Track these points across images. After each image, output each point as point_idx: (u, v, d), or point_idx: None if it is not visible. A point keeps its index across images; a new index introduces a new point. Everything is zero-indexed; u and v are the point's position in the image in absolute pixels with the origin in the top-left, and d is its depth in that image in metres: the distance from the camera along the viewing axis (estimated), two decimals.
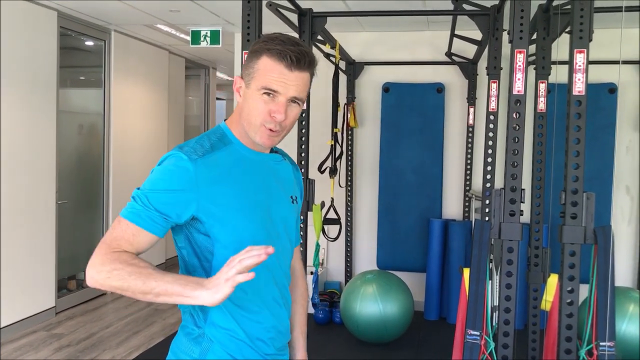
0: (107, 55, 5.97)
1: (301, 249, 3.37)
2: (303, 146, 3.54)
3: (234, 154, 1.49)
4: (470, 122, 5.40)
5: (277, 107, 1.44)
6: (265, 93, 1.43)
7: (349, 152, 5.64)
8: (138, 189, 1.42)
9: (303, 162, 3.53)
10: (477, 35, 4.01)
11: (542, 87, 3.61)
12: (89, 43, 6.03)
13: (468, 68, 5.32)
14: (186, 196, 1.40)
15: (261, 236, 1.49)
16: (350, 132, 5.63)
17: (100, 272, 1.32)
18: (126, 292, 1.31)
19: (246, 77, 1.47)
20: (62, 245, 5.38)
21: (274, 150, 1.62)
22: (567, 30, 2.76)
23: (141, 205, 1.38)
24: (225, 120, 1.58)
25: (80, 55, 6.39)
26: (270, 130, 1.46)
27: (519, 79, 2.47)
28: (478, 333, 2.66)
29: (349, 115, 5.44)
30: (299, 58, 1.42)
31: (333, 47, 4.30)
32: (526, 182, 3.08)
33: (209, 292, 1.24)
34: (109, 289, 1.34)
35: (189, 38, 5.83)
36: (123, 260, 1.34)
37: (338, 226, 4.45)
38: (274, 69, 1.43)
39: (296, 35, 3.61)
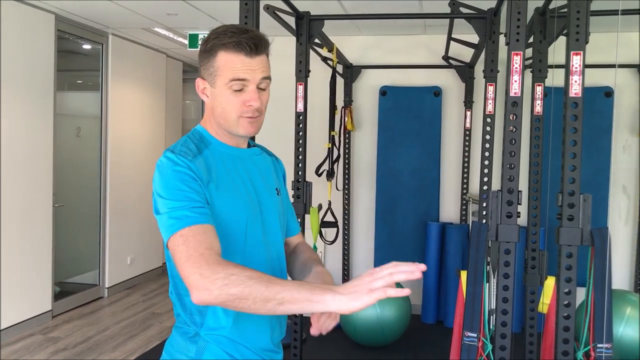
0: (105, 59, 5.97)
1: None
2: (300, 149, 3.55)
3: (215, 154, 1.49)
4: (468, 125, 5.41)
5: (250, 95, 1.45)
6: (235, 85, 1.43)
7: (347, 155, 5.65)
8: (163, 200, 1.36)
9: (300, 165, 3.53)
10: (474, 38, 4.02)
11: (539, 89, 3.63)
12: (87, 46, 6.03)
13: (465, 71, 5.34)
14: (201, 182, 1.40)
15: (256, 232, 1.49)
16: (347, 135, 5.64)
17: (215, 281, 1.22)
18: (244, 301, 1.20)
19: (208, 77, 1.47)
20: (59, 248, 5.37)
21: (251, 145, 1.63)
22: (563, 32, 2.77)
23: (181, 209, 1.33)
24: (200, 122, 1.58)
25: (77, 59, 6.39)
26: (250, 117, 1.47)
27: (515, 81, 2.48)
28: (475, 335, 2.65)
29: (346, 119, 5.44)
30: (256, 44, 1.43)
31: (330, 51, 4.31)
32: (523, 185, 3.09)
33: (346, 298, 1.15)
34: (224, 299, 1.22)
35: (186, 41, 5.84)
36: (235, 265, 1.25)
37: (335, 229, 4.45)
38: (236, 61, 1.43)
39: (293, 38, 3.62)
